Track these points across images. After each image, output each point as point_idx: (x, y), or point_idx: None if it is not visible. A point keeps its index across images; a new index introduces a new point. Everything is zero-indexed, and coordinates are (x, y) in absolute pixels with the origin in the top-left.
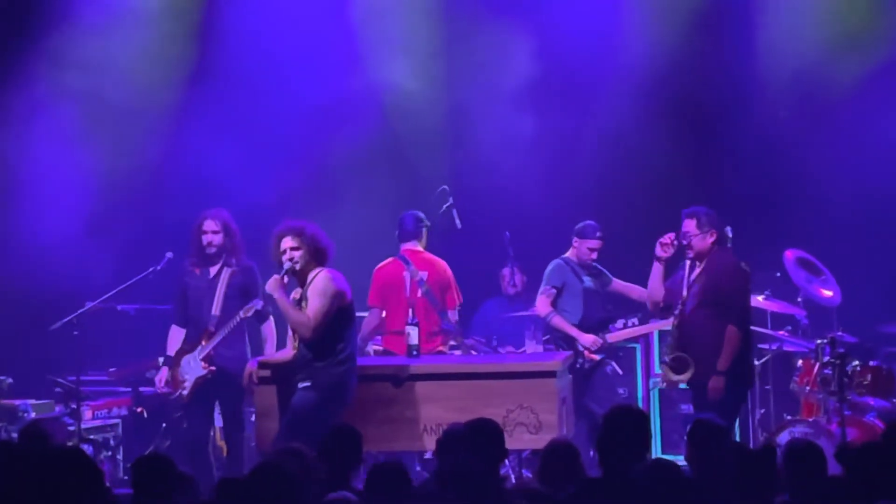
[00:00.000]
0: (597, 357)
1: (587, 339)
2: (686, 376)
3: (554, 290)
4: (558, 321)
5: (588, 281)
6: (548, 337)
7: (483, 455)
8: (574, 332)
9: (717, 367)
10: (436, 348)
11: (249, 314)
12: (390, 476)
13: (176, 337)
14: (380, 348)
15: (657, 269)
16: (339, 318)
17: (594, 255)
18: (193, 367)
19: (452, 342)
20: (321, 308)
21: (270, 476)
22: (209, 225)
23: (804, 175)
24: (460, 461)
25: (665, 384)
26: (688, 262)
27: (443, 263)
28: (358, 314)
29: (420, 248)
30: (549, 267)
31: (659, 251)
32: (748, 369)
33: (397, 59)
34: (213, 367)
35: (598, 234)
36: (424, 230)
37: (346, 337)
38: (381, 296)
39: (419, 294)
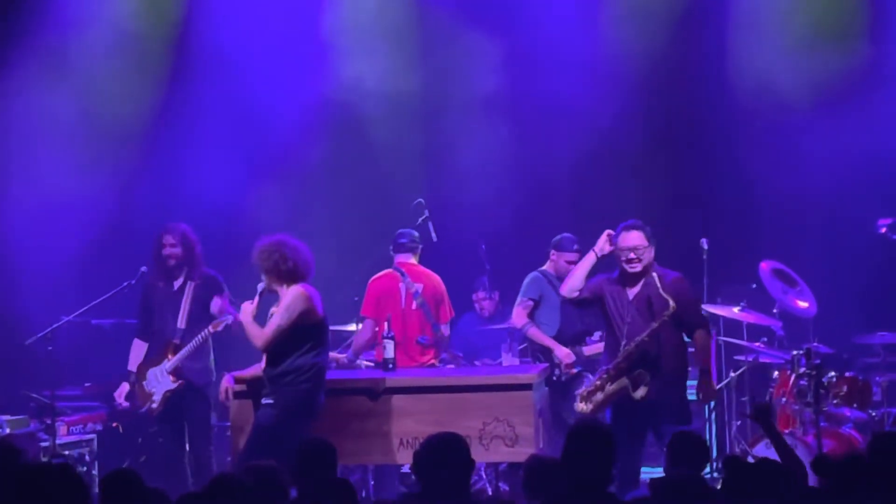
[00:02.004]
0: (574, 370)
1: (562, 353)
2: (641, 392)
3: (531, 303)
4: (534, 332)
5: None
6: (524, 346)
7: (450, 469)
8: (550, 343)
9: (704, 367)
10: (428, 361)
11: (219, 328)
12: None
13: (138, 351)
14: (371, 363)
15: (589, 262)
16: (306, 333)
17: (572, 268)
18: (162, 381)
19: (444, 355)
20: (281, 324)
21: (227, 489)
22: (167, 239)
23: (779, 186)
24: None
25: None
26: (616, 276)
27: (437, 277)
28: (334, 327)
29: (415, 262)
30: (527, 279)
31: (605, 246)
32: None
33: (371, 68)
34: (181, 381)
35: (575, 246)
36: (419, 246)
37: (314, 353)
38: (376, 307)
39: (413, 306)
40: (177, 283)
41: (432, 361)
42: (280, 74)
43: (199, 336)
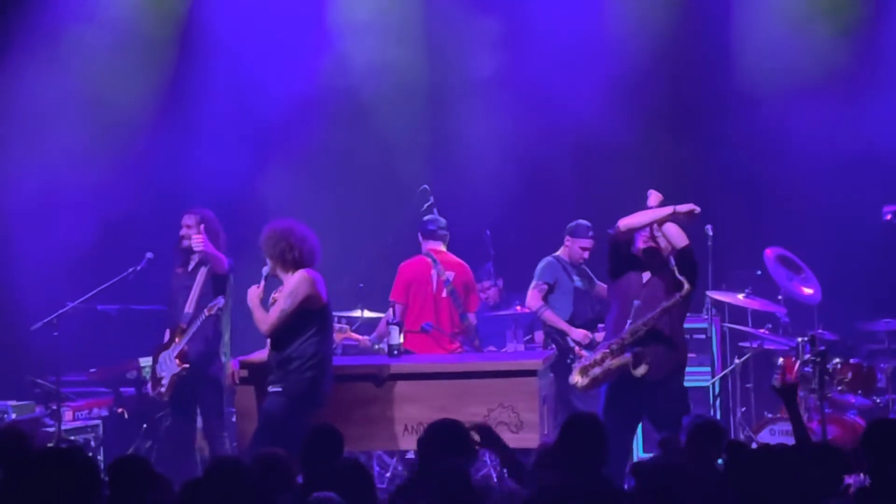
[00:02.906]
0: (586, 353)
1: (578, 334)
2: (642, 370)
3: (546, 286)
4: (549, 315)
5: (578, 281)
6: (529, 337)
7: (453, 456)
8: (565, 326)
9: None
10: (457, 350)
11: (213, 312)
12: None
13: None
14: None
15: (664, 213)
16: (309, 319)
17: (586, 255)
18: (168, 365)
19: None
20: (285, 309)
21: (225, 473)
22: (186, 219)
23: (785, 173)
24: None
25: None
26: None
27: (466, 266)
28: (338, 313)
29: (444, 249)
30: (542, 264)
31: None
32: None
33: (375, 53)
34: (187, 365)
35: (590, 233)
36: (447, 235)
37: (319, 339)
38: (406, 292)
39: (444, 294)
40: (191, 267)
41: (460, 350)
42: (282, 61)
43: (197, 320)
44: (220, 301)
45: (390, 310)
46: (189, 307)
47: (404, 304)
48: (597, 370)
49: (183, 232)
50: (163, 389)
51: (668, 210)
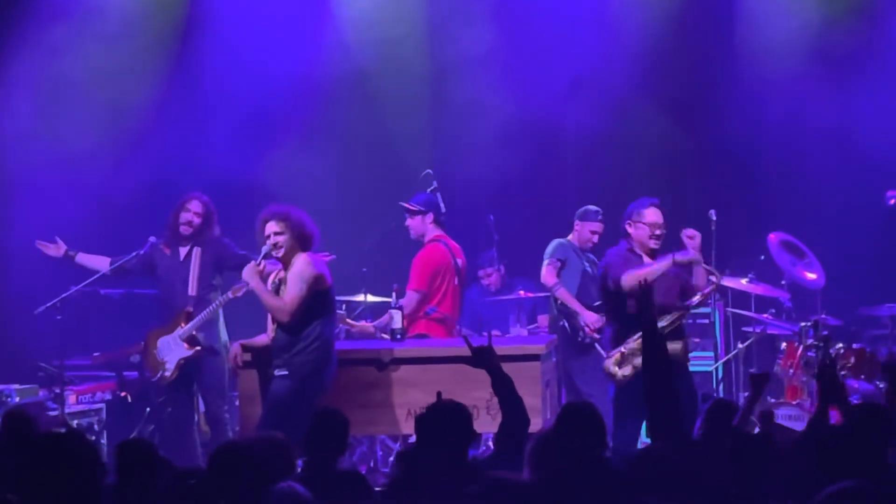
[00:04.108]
0: (597, 336)
1: (591, 317)
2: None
3: (559, 262)
4: (563, 293)
5: (587, 265)
6: (535, 326)
7: (451, 439)
8: (578, 307)
9: None
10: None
11: (240, 294)
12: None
13: (94, 260)
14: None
15: (665, 265)
16: (316, 302)
17: (595, 239)
18: (175, 349)
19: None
20: (299, 292)
21: (232, 457)
22: (195, 205)
23: (788, 157)
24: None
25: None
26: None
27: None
28: (341, 298)
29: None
30: (553, 244)
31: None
32: None
33: (377, 33)
34: (198, 348)
35: (599, 217)
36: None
37: (324, 321)
38: (432, 281)
39: (455, 281)
40: (182, 252)
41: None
42: (283, 43)
43: (217, 301)
44: (244, 283)
45: (410, 297)
46: (192, 290)
47: (427, 292)
48: (638, 360)
49: (190, 218)
50: (167, 374)
51: (668, 260)
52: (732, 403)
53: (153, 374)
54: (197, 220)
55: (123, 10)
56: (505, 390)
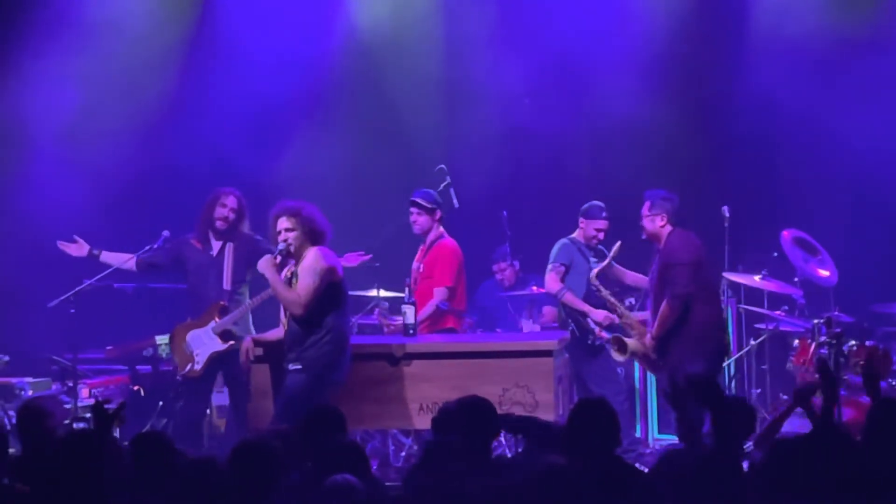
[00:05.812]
0: (606, 335)
1: (599, 315)
2: (623, 358)
3: (563, 268)
4: (570, 297)
5: (594, 262)
6: (540, 317)
7: (476, 433)
8: (586, 307)
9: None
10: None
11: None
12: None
13: (118, 257)
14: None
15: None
16: (328, 294)
17: (601, 236)
18: (207, 342)
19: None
20: (311, 285)
21: (251, 454)
22: (231, 201)
23: (801, 154)
24: (448, 440)
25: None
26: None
27: None
28: (354, 293)
29: None
30: (557, 246)
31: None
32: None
33: (390, 23)
34: (232, 342)
35: (603, 214)
36: None
37: (337, 313)
38: (458, 276)
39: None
40: (216, 246)
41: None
42: (295, 33)
43: (258, 297)
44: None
45: (441, 292)
46: (227, 284)
47: (454, 287)
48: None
49: (226, 213)
50: (197, 367)
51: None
52: (744, 402)
53: (181, 367)
54: (232, 216)
55: (140, 8)
56: None
